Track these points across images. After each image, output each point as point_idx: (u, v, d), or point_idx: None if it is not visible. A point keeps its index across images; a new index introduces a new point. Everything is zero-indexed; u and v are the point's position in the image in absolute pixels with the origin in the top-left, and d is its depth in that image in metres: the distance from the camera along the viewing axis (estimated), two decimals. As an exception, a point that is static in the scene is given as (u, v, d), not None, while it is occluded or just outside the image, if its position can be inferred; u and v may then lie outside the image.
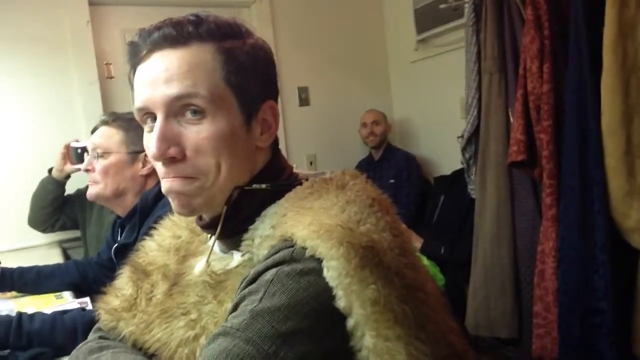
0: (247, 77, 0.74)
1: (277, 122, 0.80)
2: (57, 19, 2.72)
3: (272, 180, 0.78)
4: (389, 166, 3.27)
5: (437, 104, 3.32)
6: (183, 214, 0.78)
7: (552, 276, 1.79)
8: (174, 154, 0.72)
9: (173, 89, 0.70)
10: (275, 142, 0.83)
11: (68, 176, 2.46)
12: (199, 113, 0.71)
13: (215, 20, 0.74)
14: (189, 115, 0.72)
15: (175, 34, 0.72)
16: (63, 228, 2.57)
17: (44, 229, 2.54)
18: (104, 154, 1.61)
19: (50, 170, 2.45)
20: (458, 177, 2.78)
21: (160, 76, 0.71)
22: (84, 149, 1.68)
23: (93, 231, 2.40)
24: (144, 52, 0.73)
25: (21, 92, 2.65)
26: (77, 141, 2.36)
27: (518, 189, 2.05)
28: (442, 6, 2.64)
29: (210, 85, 0.71)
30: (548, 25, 1.82)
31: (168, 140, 0.71)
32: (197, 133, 0.71)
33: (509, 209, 2.07)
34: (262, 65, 0.77)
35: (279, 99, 3.31)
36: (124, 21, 2.93)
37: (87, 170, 1.63)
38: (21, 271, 1.73)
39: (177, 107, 0.72)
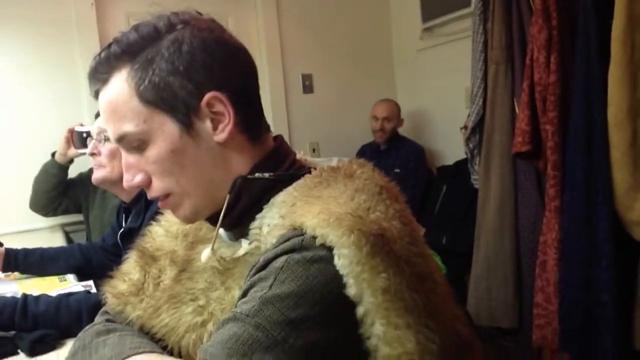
0: (169, 83, 0.72)
1: (235, 107, 0.74)
2: (61, 0, 2.71)
3: (273, 168, 0.78)
4: (396, 155, 3.20)
5: (441, 93, 3.31)
6: (185, 223, 0.82)
7: (554, 267, 1.80)
8: (140, 182, 0.77)
9: (111, 135, 0.77)
10: (262, 126, 0.80)
11: (71, 160, 2.47)
12: (140, 143, 0.74)
13: (127, 38, 0.74)
14: (135, 146, 0.75)
15: (98, 73, 0.75)
16: (66, 212, 2.57)
17: (45, 213, 2.55)
18: None
19: (53, 154, 2.45)
20: (461, 168, 2.78)
21: (103, 118, 0.78)
22: (89, 133, 1.67)
23: (96, 215, 2.41)
24: (93, 94, 0.78)
25: (25, 74, 2.65)
26: (81, 125, 2.36)
27: (522, 180, 2.05)
28: (449, -6, 2.62)
29: (133, 116, 0.73)
30: (556, 15, 1.81)
31: (131, 170, 0.77)
32: (147, 159, 0.75)
33: (512, 199, 2.07)
34: (190, 58, 0.72)
35: (282, 86, 3.26)
36: (128, 4, 2.92)
37: (92, 154, 1.62)
38: (25, 252, 1.74)
39: (125, 144, 0.76)
